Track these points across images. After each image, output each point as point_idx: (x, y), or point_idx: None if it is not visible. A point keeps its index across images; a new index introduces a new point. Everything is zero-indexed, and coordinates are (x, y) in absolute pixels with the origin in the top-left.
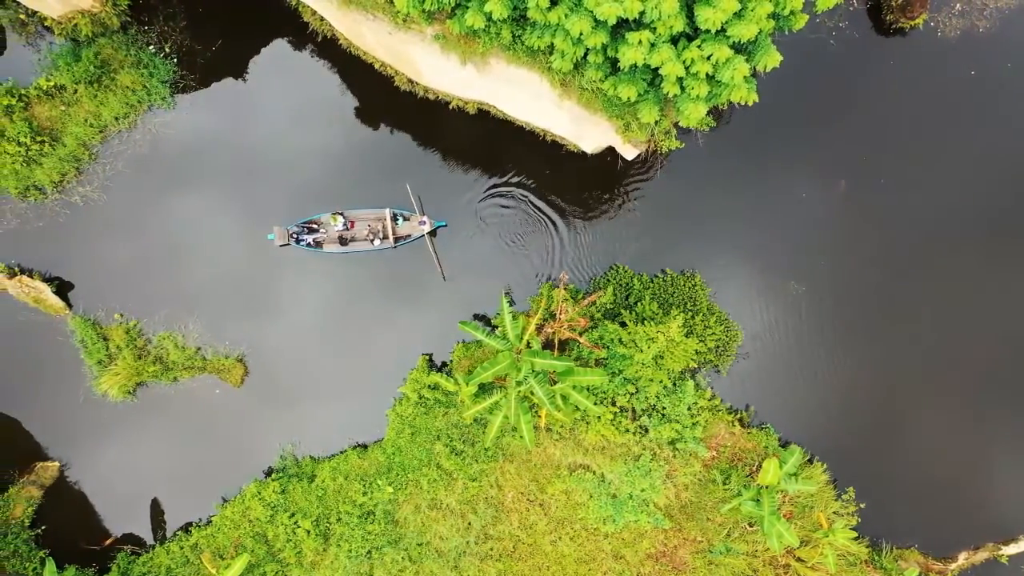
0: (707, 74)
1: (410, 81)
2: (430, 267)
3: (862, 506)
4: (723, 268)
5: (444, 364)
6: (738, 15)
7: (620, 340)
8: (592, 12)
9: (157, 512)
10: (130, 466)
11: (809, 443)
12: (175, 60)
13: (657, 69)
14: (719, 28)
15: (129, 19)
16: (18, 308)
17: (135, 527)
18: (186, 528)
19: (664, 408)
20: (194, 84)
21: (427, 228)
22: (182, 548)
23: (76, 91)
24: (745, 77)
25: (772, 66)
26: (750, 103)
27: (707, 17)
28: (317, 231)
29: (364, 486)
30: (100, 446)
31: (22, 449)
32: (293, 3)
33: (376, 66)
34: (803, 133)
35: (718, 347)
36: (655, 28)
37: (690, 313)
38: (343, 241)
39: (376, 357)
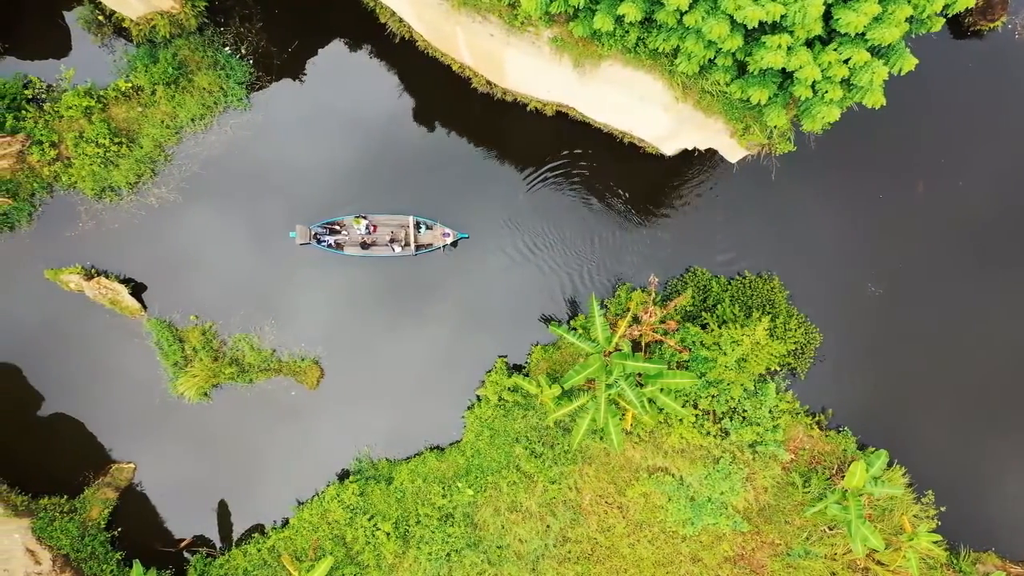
0: (843, 78)
1: (489, 83)
2: (498, 270)
3: (942, 509)
4: (799, 269)
5: (517, 366)
6: (877, 19)
7: (702, 343)
8: (730, 15)
9: (231, 514)
10: (204, 468)
11: (884, 446)
12: (251, 61)
13: (786, 72)
14: (859, 32)
15: (206, 20)
16: (94, 310)
17: (209, 529)
18: (261, 530)
19: (745, 411)
20: (269, 85)
21: (450, 239)
22: (259, 550)
23: (154, 92)
24: (884, 81)
25: (908, 69)
26: (878, 106)
27: (848, 21)
28: (339, 232)
29: (443, 488)
30: (174, 447)
31: (97, 451)
32: (371, 4)
33: (454, 68)
34: (880, 133)
35: (796, 350)
36: (792, 31)
37: (769, 316)
38: (364, 245)
39: (448, 360)
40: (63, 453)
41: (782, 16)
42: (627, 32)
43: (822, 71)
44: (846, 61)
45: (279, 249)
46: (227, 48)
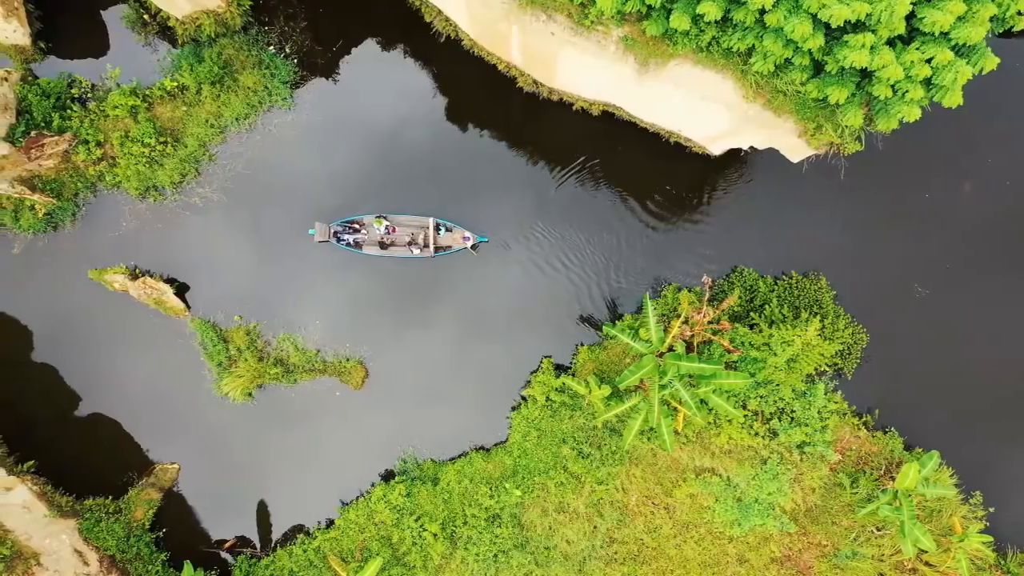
0: (925, 78)
1: (535, 82)
2: (537, 271)
3: (991, 510)
4: (845, 269)
5: (560, 366)
6: (961, 18)
7: (751, 343)
8: (813, 15)
9: (274, 515)
10: (246, 469)
11: (930, 447)
12: (295, 60)
13: (863, 71)
14: (943, 31)
15: (250, 19)
16: (138, 310)
17: (252, 530)
18: (306, 531)
19: (794, 411)
20: (313, 84)
21: (470, 243)
22: (305, 551)
23: (200, 91)
24: (968, 80)
25: (989, 69)
26: (954, 106)
27: (934, 20)
28: (359, 232)
29: (491, 489)
30: (218, 448)
31: (141, 451)
32: (416, 3)
33: (500, 67)
34: (926, 133)
35: (843, 350)
36: (876, 30)
37: (818, 316)
38: (383, 245)
39: (490, 360)
40: (106, 454)
41: (867, 15)
42: (702, 31)
43: (905, 70)
44: (929, 60)
45: (321, 248)
46: (271, 47)
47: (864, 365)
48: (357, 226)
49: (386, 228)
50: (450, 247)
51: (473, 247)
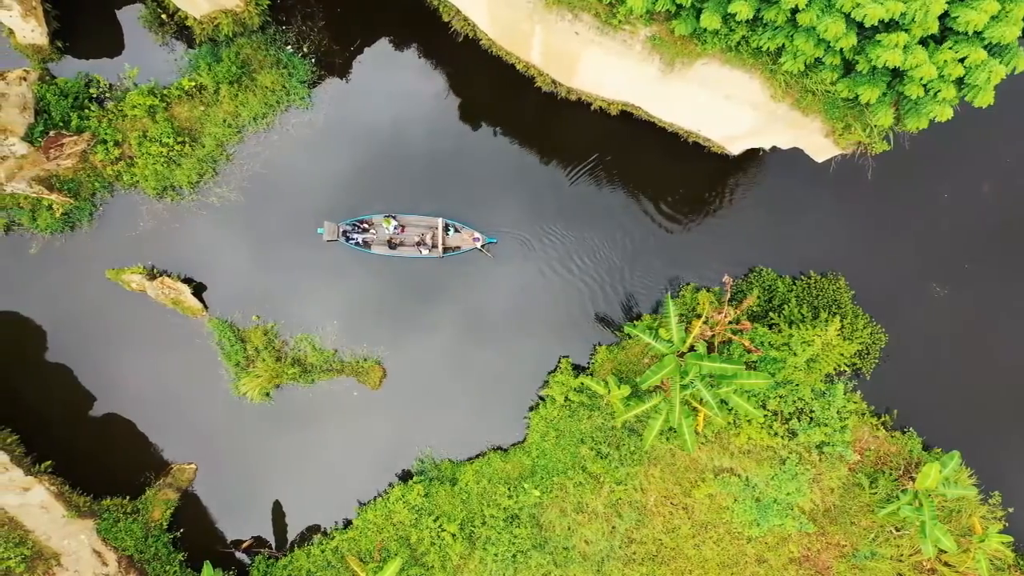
0: (958, 77)
1: (554, 82)
2: (552, 271)
3: (1010, 510)
4: (862, 269)
5: (577, 367)
6: (995, 17)
7: (770, 343)
8: (846, 14)
9: (291, 515)
10: (264, 469)
11: (948, 447)
12: (313, 60)
13: (894, 71)
14: (976, 31)
15: (268, 19)
16: (155, 310)
17: (269, 530)
18: (323, 531)
19: (813, 412)
20: (330, 84)
21: (479, 243)
22: (323, 551)
23: (218, 91)
24: (1002, 79)
25: (1021, 68)
26: (985, 105)
27: (968, 19)
28: (368, 231)
29: (509, 489)
30: (235, 448)
31: (158, 451)
32: (434, 3)
33: (518, 67)
34: (944, 133)
35: (862, 350)
36: (909, 29)
37: (836, 316)
38: (392, 245)
39: (506, 360)
40: (123, 454)
41: (902, 14)
42: (732, 30)
43: (938, 70)
44: (962, 60)
45: (335, 248)
46: (289, 47)
47: (882, 365)
48: (366, 225)
49: (395, 228)
50: (459, 248)
51: (483, 247)
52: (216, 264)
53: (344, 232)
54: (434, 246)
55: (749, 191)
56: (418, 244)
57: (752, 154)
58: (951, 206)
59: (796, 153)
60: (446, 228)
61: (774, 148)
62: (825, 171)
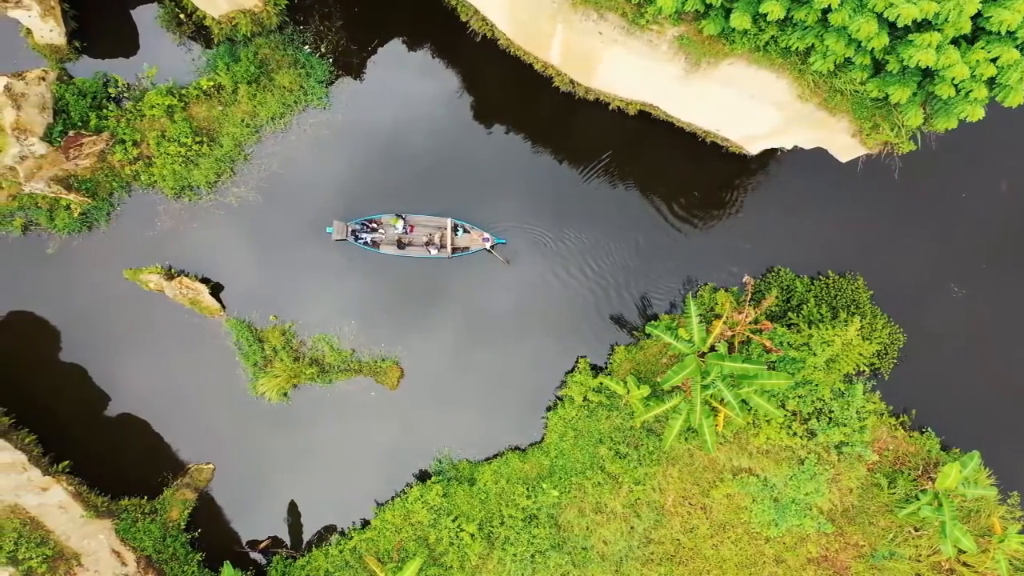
0: (990, 77)
1: (571, 82)
2: (572, 274)
3: None
4: (880, 269)
5: (595, 367)
6: None
7: (790, 343)
8: (879, 14)
9: (308, 515)
10: (282, 469)
11: (966, 446)
12: (330, 60)
13: (924, 70)
14: (1009, 30)
15: (286, 19)
16: (173, 309)
17: (286, 530)
18: (340, 531)
19: (832, 412)
20: (348, 84)
21: (488, 244)
22: (341, 551)
23: (236, 91)
24: None
25: None
26: (1015, 105)
27: (1001, 19)
28: (376, 231)
29: (528, 489)
30: (252, 448)
31: (175, 451)
32: (452, 2)
33: (536, 67)
34: (961, 132)
35: (880, 350)
36: (941, 29)
37: (856, 316)
38: (400, 244)
39: (523, 360)
40: (140, 454)
41: (936, 14)
42: (761, 30)
43: (970, 69)
44: (994, 60)
45: (353, 248)
46: (307, 47)
47: (900, 365)
48: (375, 225)
49: (404, 227)
50: (468, 248)
51: (491, 248)
52: (233, 264)
53: (353, 231)
54: (443, 246)
55: (765, 191)
56: (427, 244)
57: (769, 154)
58: (969, 205)
59: (812, 153)
60: (455, 228)
61: (792, 148)
62: (841, 171)
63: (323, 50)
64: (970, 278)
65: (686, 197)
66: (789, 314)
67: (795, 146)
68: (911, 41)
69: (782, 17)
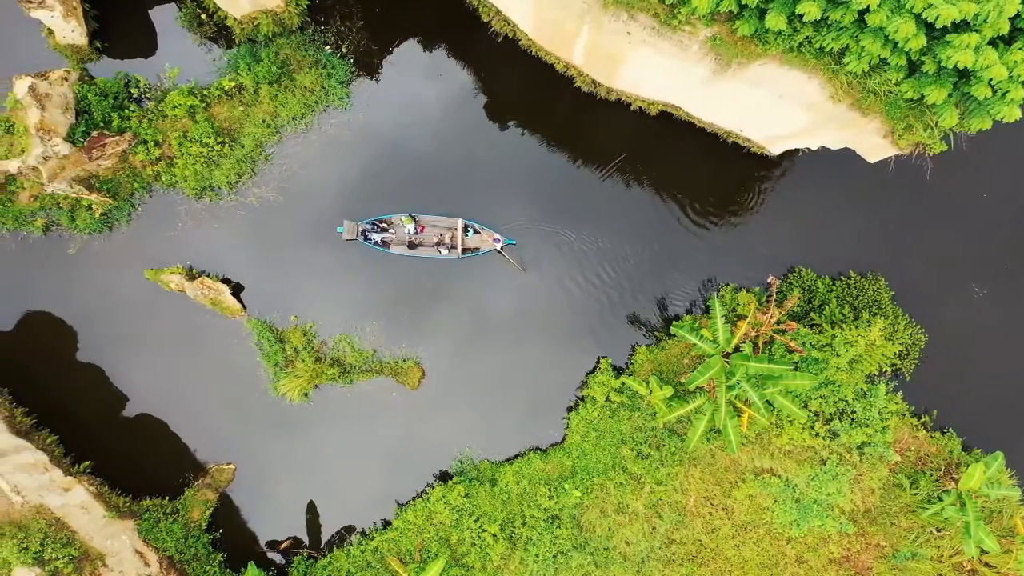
0: None
1: (594, 82)
2: (592, 275)
3: None
4: (901, 270)
5: (615, 368)
6: None
7: (812, 343)
8: (917, 14)
9: (329, 515)
10: (303, 469)
11: (987, 447)
12: (351, 60)
13: (960, 71)
14: None
15: (307, 19)
16: (194, 310)
17: (307, 531)
18: (360, 532)
19: (855, 412)
20: (369, 84)
21: (499, 245)
22: (363, 552)
23: (257, 91)
24: None
25: None
26: None
27: None
28: (387, 231)
29: (550, 490)
30: (274, 448)
31: (196, 451)
32: (474, 3)
33: (557, 67)
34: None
35: (902, 351)
36: (980, 30)
37: (878, 316)
38: (411, 245)
39: (542, 361)
40: (161, 454)
41: (975, 15)
42: (796, 31)
43: (1008, 70)
44: None
45: (369, 248)
46: (328, 47)
47: (921, 366)
48: (385, 225)
49: (415, 227)
50: (478, 249)
51: (502, 249)
52: (254, 264)
53: (363, 231)
54: (453, 247)
55: (785, 192)
56: (437, 244)
57: (790, 155)
58: (990, 205)
59: (832, 153)
60: (465, 229)
61: (818, 148)
62: (861, 172)
63: (344, 50)
64: (992, 278)
65: (707, 197)
66: (811, 314)
67: (810, 147)
68: (949, 42)
69: (818, 18)
